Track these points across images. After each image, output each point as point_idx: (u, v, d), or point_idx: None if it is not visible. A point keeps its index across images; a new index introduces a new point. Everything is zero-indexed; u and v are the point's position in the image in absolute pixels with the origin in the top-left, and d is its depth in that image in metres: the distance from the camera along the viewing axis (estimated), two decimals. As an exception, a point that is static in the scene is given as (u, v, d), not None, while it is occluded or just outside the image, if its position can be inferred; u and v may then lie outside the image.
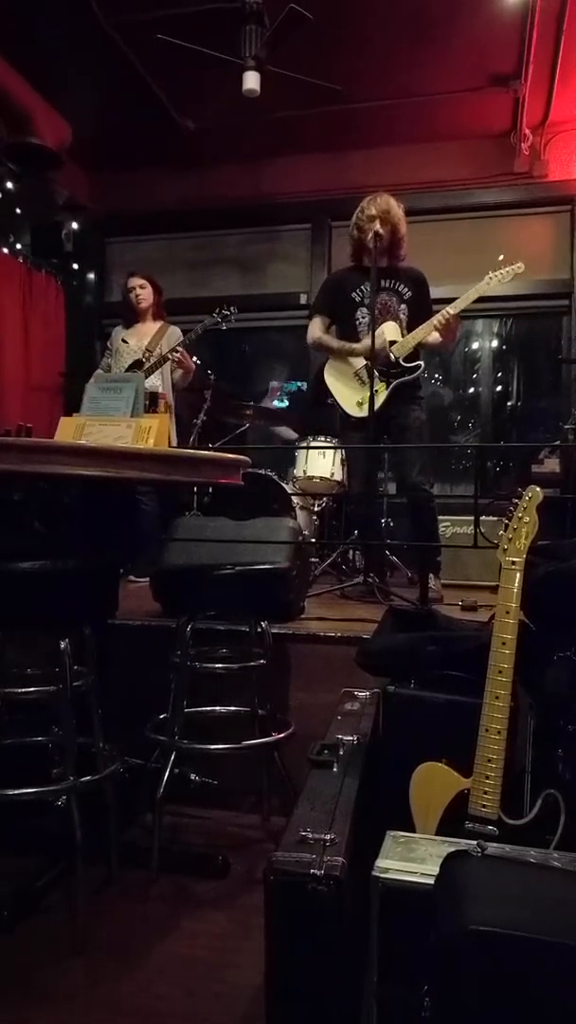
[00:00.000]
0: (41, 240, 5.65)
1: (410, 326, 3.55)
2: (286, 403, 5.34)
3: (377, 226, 3.45)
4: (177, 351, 4.14)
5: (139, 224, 6.03)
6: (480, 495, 3.48)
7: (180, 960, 1.73)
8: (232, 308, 4.24)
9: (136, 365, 4.18)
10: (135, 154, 5.62)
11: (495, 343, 5.86)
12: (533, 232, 5.37)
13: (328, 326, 3.75)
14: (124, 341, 4.32)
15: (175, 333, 4.31)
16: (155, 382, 4.05)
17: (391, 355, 3.45)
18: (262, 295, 5.92)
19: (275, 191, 5.73)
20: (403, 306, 3.58)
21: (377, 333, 3.41)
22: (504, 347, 5.91)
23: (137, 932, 1.84)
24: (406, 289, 3.58)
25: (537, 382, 5.95)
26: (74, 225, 5.63)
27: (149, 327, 4.35)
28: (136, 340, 4.30)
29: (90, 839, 1.81)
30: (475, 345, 5.90)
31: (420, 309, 3.55)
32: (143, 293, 4.33)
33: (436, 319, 3.44)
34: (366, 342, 3.44)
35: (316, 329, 3.76)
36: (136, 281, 4.35)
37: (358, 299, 3.59)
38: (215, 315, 4.25)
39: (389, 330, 3.51)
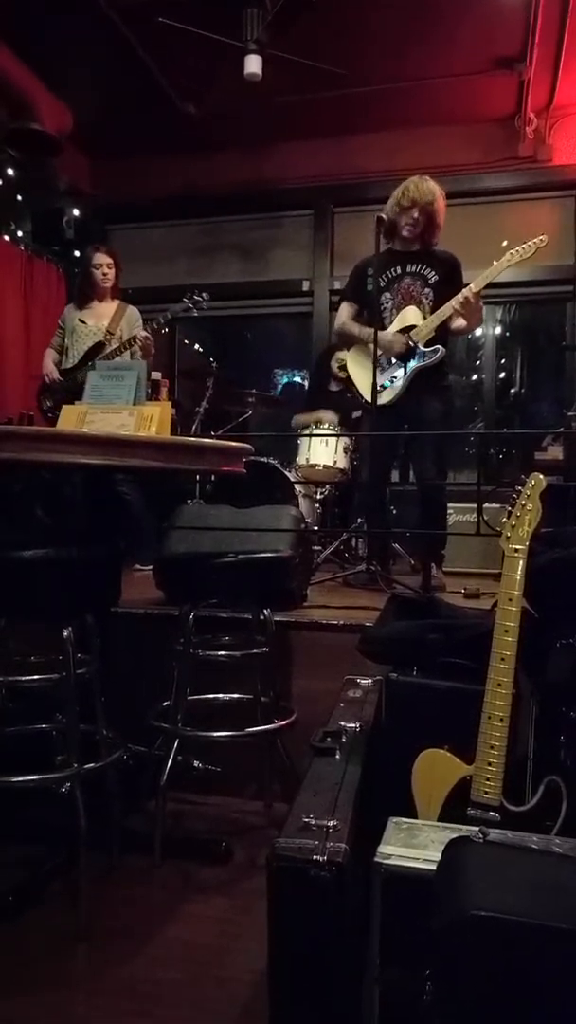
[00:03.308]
0: (42, 227, 5.62)
1: (435, 310, 3.45)
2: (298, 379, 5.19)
3: (415, 214, 3.41)
4: (147, 336, 3.92)
5: (140, 210, 6.00)
6: (483, 482, 3.46)
7: (183, 945, 1.74)
8: (203, 295, 4.05)
9: (97, 347, 3.99)
10: (136, 140, 5.59)
11: (498, 330, 5.83)
12: (537, 217, 5.32)
13: (357, 312, 3.69)
14: (81, 321, 4.07)
15: (134, 314, 4.10)
16: None
17: (410, 340, 3.42)
18: (264, 282, 5.89)
19: (277, 177, 5.70)
20: (428, 290, 3.49)
21: (397, 319, 3.41)
22: (507, 334, 5.89)
23: (140, 918, 1.85)
24: (433, 273, 3.49)
25: (540, 369, 5.93)
26: (75, 212, 5.60)
27: (107, 307, 4.10)
28: (94, 321, 4.06)
29: (93, 826, 1.81)
30: (478, 332, 5.85)
31: (447, 293, 3.42)
32: (111, 273, 4.06)
33: (455, 300, 3.34)
34: (386, 331, 3.43)
35: (343, 315, 3.72)
36: (105, 259, 4.05)
37: (382, 284, 3.53)
38: (185, 299, 4.04)
39: (410, 315, 3.47)
